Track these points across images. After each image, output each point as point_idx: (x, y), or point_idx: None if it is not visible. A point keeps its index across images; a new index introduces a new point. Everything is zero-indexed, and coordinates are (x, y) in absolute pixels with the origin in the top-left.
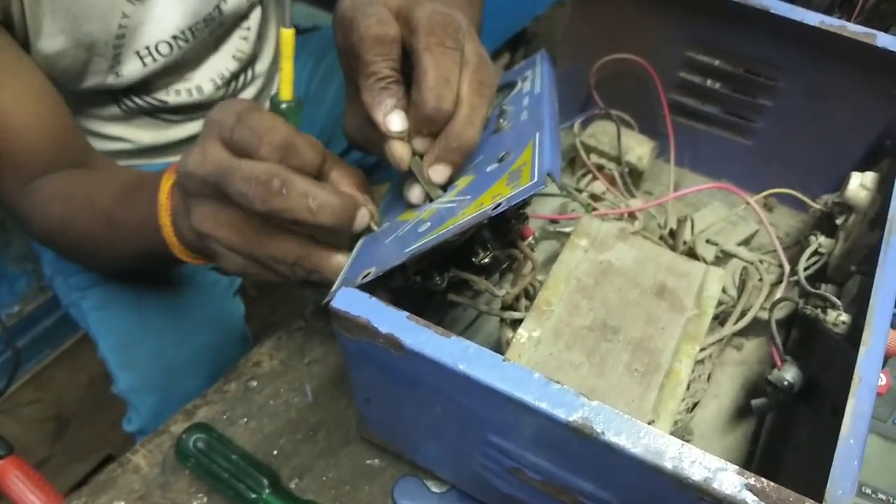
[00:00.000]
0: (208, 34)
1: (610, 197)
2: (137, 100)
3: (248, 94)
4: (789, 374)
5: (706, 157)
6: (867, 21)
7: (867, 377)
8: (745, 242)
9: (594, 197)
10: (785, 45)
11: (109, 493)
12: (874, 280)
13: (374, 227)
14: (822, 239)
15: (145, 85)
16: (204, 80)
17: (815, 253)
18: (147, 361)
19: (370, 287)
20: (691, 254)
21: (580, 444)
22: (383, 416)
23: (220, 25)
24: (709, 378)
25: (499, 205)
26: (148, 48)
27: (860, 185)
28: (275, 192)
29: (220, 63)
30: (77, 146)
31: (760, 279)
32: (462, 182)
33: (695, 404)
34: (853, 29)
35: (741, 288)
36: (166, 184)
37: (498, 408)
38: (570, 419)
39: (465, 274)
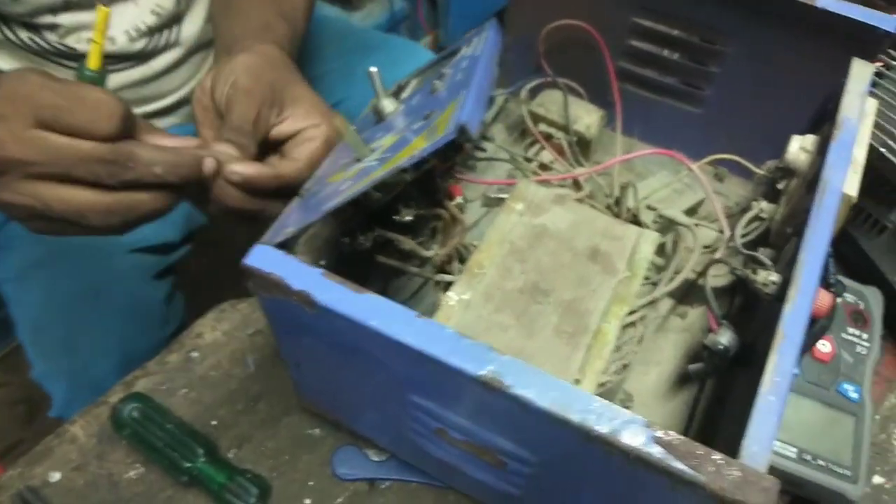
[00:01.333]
0: None
1: (558, 166)
2: (41, 41)
3: (170, 57)
4: (724, 337)
5: (656, 126)
6: None
7: (790, 334)
8: (692, 211)
9: (543, 166)
10: (728, 9)
11: (45, 464)
12: (803, 238)
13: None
14: (763, 204)
15: (53, 28)
16: (117, 30)
17: (757, 218)
18: (56, 347)
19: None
20: (635, 221)
21: (491, 398)
22: (314, 381)
23: None
24: (640, 340)
25: (412, 157)
26: None
27: (800, 147)
28: (123, 168)
29: (137, 15)
30: None
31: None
32: (388, 141)
33: (624, 366)
34: None
35: (673, 250)
36: None
37: (413, 365)
38: (480, 373)
39: (389, 233)
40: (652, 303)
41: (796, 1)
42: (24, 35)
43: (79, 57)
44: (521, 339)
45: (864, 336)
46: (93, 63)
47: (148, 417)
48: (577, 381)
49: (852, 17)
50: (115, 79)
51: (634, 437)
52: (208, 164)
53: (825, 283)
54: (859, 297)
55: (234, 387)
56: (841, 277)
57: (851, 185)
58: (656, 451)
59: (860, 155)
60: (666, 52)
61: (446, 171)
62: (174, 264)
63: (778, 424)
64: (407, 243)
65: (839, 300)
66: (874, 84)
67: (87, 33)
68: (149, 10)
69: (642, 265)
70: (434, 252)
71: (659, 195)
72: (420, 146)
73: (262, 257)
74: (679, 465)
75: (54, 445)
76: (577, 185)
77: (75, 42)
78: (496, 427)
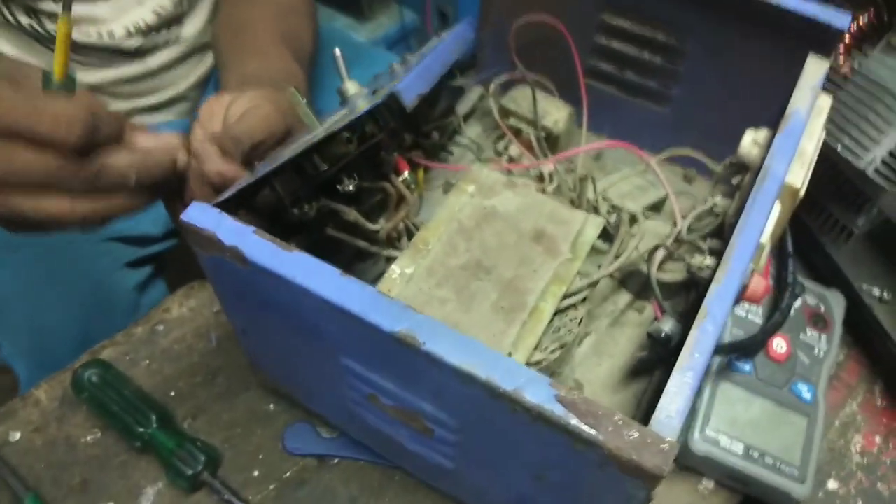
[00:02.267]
0: None
1: (525, 161)
2: (40, 28)
3: (168, 55)
4: (667, 325)
5: (625, 125)
6: None
7: (714, 312)
8: (654, 208)
9: (511, 160)
10: (689, 5)
11: (7, 424)
12: (738, 221)
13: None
14: (718, 199)
15: (52, 17)
16: (117, 25)
17: (711, 213)
18: (20, 327)
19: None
20: (594, 213)
21: (408, 356)
22: (260, 349)
23: None
24: (580, 322)
25: (348, 119)
26: None
27: (752, 141)
28: (96, 178)
29: (139, 13)
30: None
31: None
32: (339, 115)
33: (562, 346)
34: None
35: (615, 233)
36: None
37: (339, 323)
38: (395, 330)
39: (334, 203)
40: (593, 284)
41: None
42: (25, 20)
43: (76, 47)
44: (458, 312)
45: (823, 338)
46: (57, 73)
47: (107, 383)
48: (510, 356)
49: (806, 13)
50: (111, 73)
51: (537, 395)
52: (181, 159)
53: (783, 280)
54: (821, 300)
55: (196, 360)
56: (804, 279)
57: (796, 175)
58: (557, 409)
59: (809, 147)
60: (633, 51)
61: (394, 146)
62: (155, 255)
63: (692, 399)
64: (350, 214)
65: (798, 301)
66: (839, 83)
67: (85, 26)
68: (151, 9)
69: (584, 248)
70: (380, 226)
71: (620, 190)
72: (358, 112)
73: (199, 214)
74: (577, 423)
75: (18, 407)
76: (541, 178)
77: (73, 33)
78: (417, 390)
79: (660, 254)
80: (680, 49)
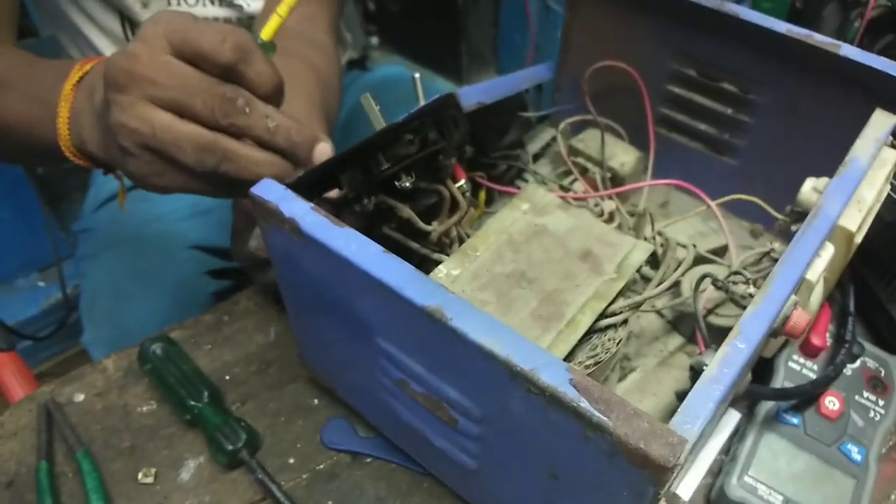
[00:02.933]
0: (236, 22)
1: (590, 200)
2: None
3: None
4: (709, 359)
5: (691, 174)
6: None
7: (746, 331)
8: (715, 254)
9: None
10: (760, 57)
11: (74, 385)
12: (784, 253)
13: None
14: (776, 244)
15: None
16: None
17: (769, 258)
18: (103, 317)
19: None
20: None
21: (435, 333)
22: (307, 335)
23: (250, 20)
24: (619, 343)
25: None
26: None
27: (812, 188)
28: (239, 110)
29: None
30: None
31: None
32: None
33: (597, 363)
34: (819, 38)
35: (661, 259)
36: (76, 74)
37: (376, 298)
38: (426, 304)
39: (390, 200)
40: (635, 306)
41: (821, 49)
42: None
43: None
44: (497, 315)
45: (881, 403)
46: (265, 34)
47: (169, 357)
48: None
49: (874, 66)
50: None
51: (552, 376)
52: (322, 149)
53: (841, 338)
54: (882, 365)
55: (252, 350)
56: (866, 343)
57: (852, 220)
58: (570, 392)
59: (868, 195)
60: (703, 100)
61: (454, 154)
62: (237, 270)
63: (714, 410)
64: (405, 211)
65: (857, 363)
66: None
67: None
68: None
69: (630, 270)
70: (433, 227)
71: (680, 232)
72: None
73: (267, 189)
74: (587, 406)
75: (87, 373)
76: (601, 215)
77: None
78: (443, 373)
79: (707, 284)
80: (749, 100)
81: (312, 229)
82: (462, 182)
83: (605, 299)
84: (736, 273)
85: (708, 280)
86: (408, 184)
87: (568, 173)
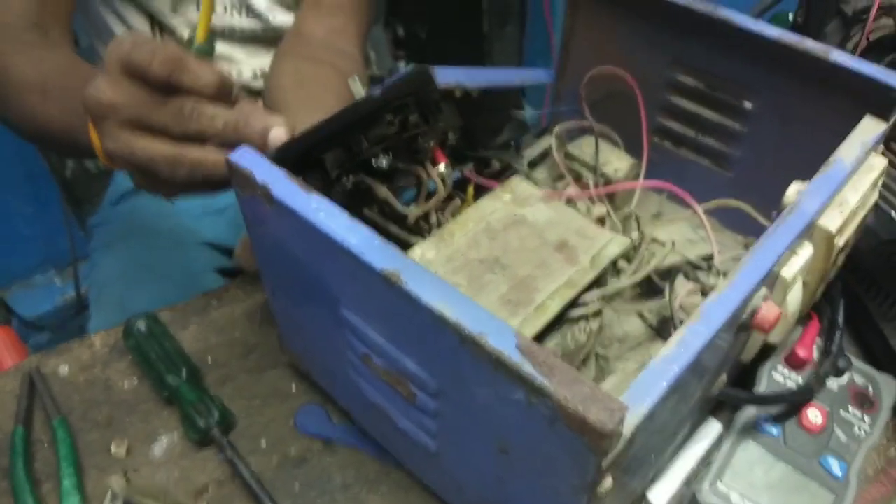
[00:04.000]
0: (261, 32)
1: (580, 203)
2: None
3: None
4: None
5: (689, 186)
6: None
7: (707, 315)
8: (703, 261)
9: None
10: (753, 64)
11: (60, 358)
12: (754, 243)
13: None
14: None
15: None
16: (247, 67)
17: None
18: (110, 305)
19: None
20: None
21: (392, 299)
22: (283, 315)
23: (275, 31)
24: (590, 335)
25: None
26: None
27: (797, 192)
28: (188, 118)
29: (266, 61)
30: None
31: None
32: None
33: (564, 352)
34: (810, 44)
35: (635, 252)
36: None
37: (339, 264)
38: (384, 268)
39: (368, 179)
40: (607, 298)
41: (811, 55)
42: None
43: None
44: None
45: (867, 419)
46: (198, 37)
47: (153, 335)
48: None
49: (864, 72)
50: None
51: (499, 341)
52: (276, 134)
53: (827, 351)
54: (870, 381)
55: (237, 335)
56: (855, 359)
57: (832, 220)
58: (515, 356)
59: (852, 198)
60: (699, 109)
61: (436, 137)
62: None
63: (667, 388)
64: (382, 190)
65: (844, 378)
66: None
67: (220, 62)
68: None
69: (603, 261)
70: (410, 210)
71: (666, 235)
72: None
73: (243, 156)
74: (530, 370)
75: (74, 347)
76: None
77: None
78: (401, 342)
79: (681, 282)
80: (743, 109)
81: (283, 195)
82: (442, 167)
83: (575, 287)
84: (710, 268)
85: (684, 280)
86: (384, 163)
87: (562, 177)
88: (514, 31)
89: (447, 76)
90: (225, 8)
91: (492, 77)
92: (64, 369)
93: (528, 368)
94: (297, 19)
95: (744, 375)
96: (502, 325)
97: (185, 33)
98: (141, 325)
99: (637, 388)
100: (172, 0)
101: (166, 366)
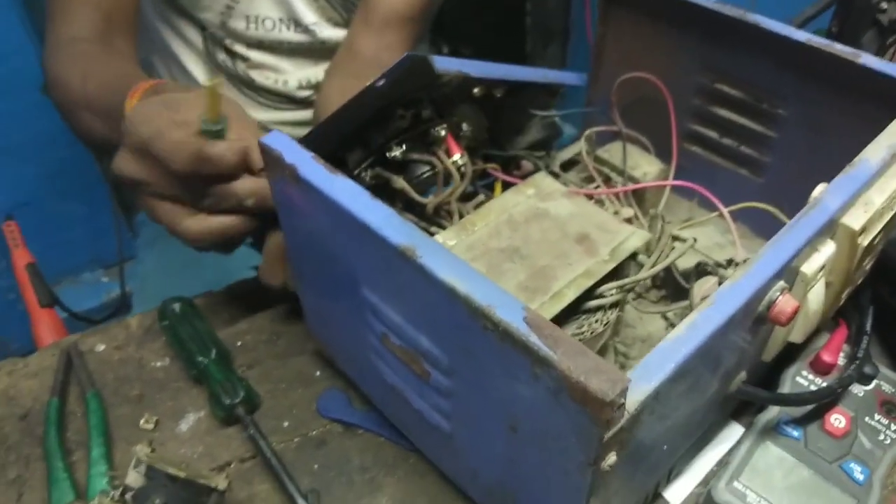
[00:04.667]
0: (308, 45)
1: (609, 205)
2: (232, 66)
3: None
4: None
5: (719, 192)
6: None
7: (720, 301)
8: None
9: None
10: (783, 69)
11: (97, 337)
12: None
13: None
14: None
15: (245, 59)
16: (293, 77)
17: None
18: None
19: None
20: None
21: (407, 274)
22: (309, 298)
23: (322, 44)
24: (606, 325)
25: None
26: (257, 17)
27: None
28: (219, 200)
29: (312, 71)
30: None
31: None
32: None
33: (579, 341)
34: (839, 47)
35: (654, 245)
36: (129, 102)
37: (359, 241)
38: (400, 243)
39: (385, 172)
40: (625, 289)
41: (841, 59)
42: (222, 56)
43: (257, 87)
44: None
45: (894, 427)
46: (207, 114)
47: (186, 316)
48: None
49: (894, 76)
50: (280, 115)
51: (507, 313)
52: None
53: (854, 356)
54: None
55: (266, 322)
56: (885, 368)
57: (856, 219)
58: (522, 327)
59: (877, 199)
60: (730, 115)
61: (449, 127)
62: None
63: (682, 364)
64: (398, 182)
65: (871, 385)
66: None
67: (268, 72)
68: (323, 68)
69: (623, 253)
70: (428, 200)
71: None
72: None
73: (275, 140)
74: (536, 340)
75: (111, 327)
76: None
77: (256, 75)
78: (417, 319)
79: (704, 280)
80: (773, 114)
81: (308, 175)
82: (457, 157)
83: (593, 277)
84: (731, 262)
85: (708, 278)
86: (398, 153)
87: (591, 180)
88: (556, 52)
89: (448, 64)
90: (274, 23)
91: (511, 73)
92: (100, 347)
93: (533, 339)
94: (349, 35)
95: (767, 379)
96: (511, 299)
97: (233, 47)
98: (176, 306)
99: (645, 367)
100: (221, 15)
101: (197, 346)
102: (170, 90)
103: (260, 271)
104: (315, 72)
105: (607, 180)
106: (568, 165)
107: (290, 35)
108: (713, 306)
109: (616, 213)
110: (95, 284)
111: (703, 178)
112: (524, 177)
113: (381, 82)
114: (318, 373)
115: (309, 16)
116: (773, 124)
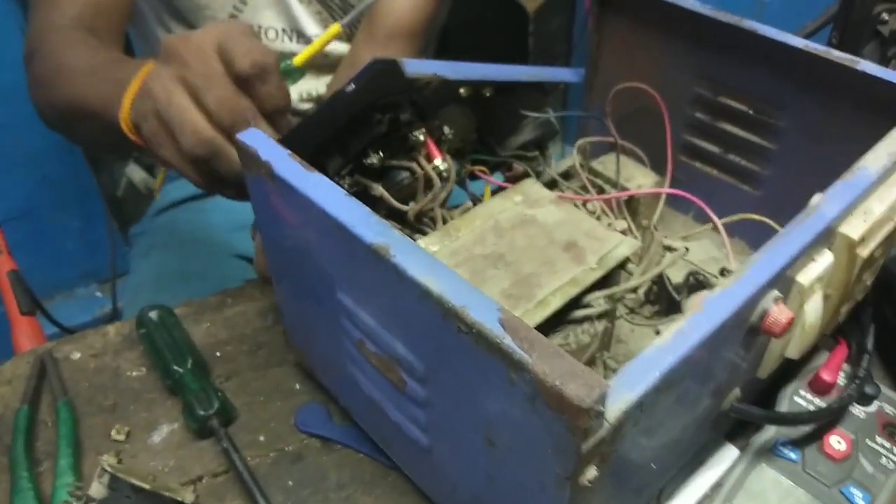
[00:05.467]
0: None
1: (603, 217)
2: None
3: None
4: None
5: (716, 205)
6: None
7: (709, 308)
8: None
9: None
10: (781, 78)
11: (74, 345)
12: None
13: None
14: None
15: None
16: (294, 90)
17: None
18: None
19: None
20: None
21: (382, 274)
22: (287, 305)
23: (325, 58)
24: (594, 336)
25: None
26: (260, 27)
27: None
28: (243, 121)
29: (313, 84)
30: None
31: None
32: None
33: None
34: (837, 54)
35: (644, 253)
36: (144, 70)
37: (333, 239)
38: (373, 241)
39: (364, 179)
40: (613, 298)
41: (839, 65)
42: None
43: None
44: None
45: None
46: (298, 59)
47: (164, 325)
48: None
49: (893, 82)
50: None
51: (481, 314)
52: None
53: (854, 377)
54: None
55: (247, 332)
56: (883, 387)
57: (855, 229)
58: (496, 329)
59: (877, 208)
60: (727, 126)
61: (429, 130)
62: None
63: (660, 378)
64: (377, 189)
65: (873, 406)
66: None
67: None
68: (325, 82)
69: (610, 262)
70: (409, 207)
71: (691, 256)
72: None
73: (252, 137)
74: (510, 343)
75: (89, 335)
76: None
77: None
78: (392, 323)
79: (697, 294)
80: (771, 125)
81: (283, 172)
82: (437, 161)
83: (579, 285)
84: (724, 271)
85: (701, 292)
86: (375, 160)
87: (585, 191)
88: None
89: (420, 67)
90: (277, 34)
91: (492, 72)
92: (76, 355)
93: (508, 342)
94: (352, 49)
95: (764, 398)
96: (486, 300)
97: None
98: (153, 314)
99: (627, 375)
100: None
101: (173, 355)
102: None
103: (255, 264)
104: (317, 85)
105: (601, 192)
106: (562, 177)
107: (293, 46)
108: (702, 313)
109: (610, 225)
110: (89, 299)
111: (699, 191)
112: (516, 179)
113: (351, 87)
114: (297, 385)
115: (312, 28)
116: (771, 135)
